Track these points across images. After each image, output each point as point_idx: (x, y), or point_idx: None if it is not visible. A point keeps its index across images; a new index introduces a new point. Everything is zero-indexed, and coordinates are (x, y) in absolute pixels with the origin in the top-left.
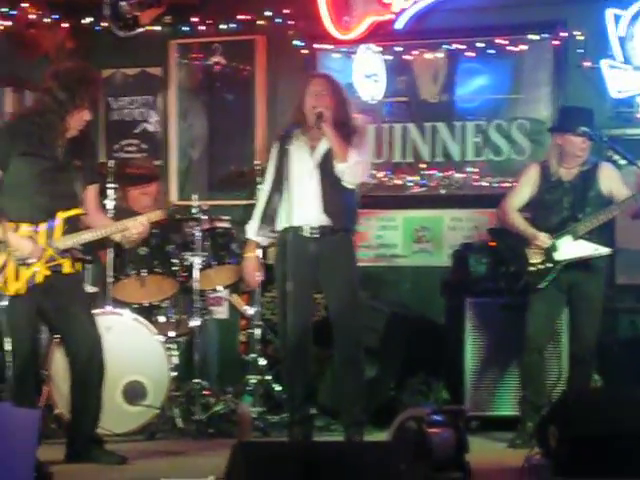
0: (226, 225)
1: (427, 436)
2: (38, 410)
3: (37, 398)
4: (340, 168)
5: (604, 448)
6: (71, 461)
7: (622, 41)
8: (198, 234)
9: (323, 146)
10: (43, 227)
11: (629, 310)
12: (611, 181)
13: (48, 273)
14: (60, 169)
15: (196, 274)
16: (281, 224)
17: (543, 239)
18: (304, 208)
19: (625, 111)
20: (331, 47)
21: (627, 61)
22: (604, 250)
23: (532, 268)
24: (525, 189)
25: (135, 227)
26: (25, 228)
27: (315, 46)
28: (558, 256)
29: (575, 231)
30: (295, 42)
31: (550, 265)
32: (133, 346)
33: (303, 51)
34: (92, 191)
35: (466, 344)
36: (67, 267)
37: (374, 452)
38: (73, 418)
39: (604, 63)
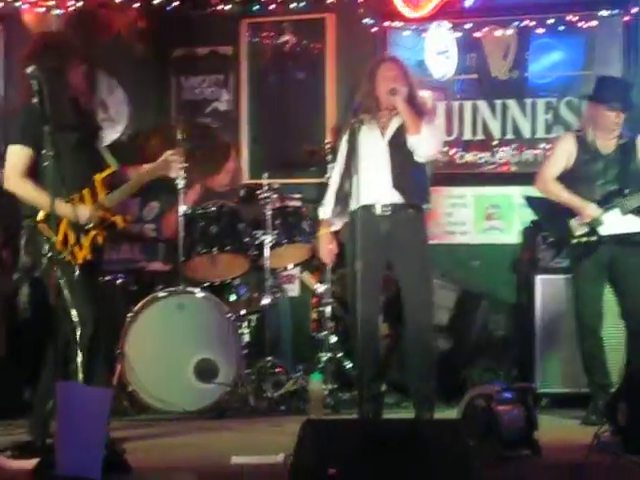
0: (297, 203)
1: (496, 414)
2: (109, 389)
3: (110, 376)
4: (413, 140)
5: None
6: None
7: None
8: (269, 212)
9: (394, 124)
10: (86, 193)
11: None
12: None
13: (105, 234)
14: (85, 134)
15: (267, 252)
16: (353, 205)
17: (594, 209)
18: (375, 186)
19: None
20: (401, 25)
21: None
22: None
23: (575, 241)
24: (561, 160)
25: (174, 160)
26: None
27: (385, 24)
28: (604, 230)
29: (624, 205)
30: (365, 20)
31: (594, 239)
32: (205, 324)
33: (373, 29)
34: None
35: (536, 321)
36: (120, 222)
37: (443, 430)
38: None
39: None
